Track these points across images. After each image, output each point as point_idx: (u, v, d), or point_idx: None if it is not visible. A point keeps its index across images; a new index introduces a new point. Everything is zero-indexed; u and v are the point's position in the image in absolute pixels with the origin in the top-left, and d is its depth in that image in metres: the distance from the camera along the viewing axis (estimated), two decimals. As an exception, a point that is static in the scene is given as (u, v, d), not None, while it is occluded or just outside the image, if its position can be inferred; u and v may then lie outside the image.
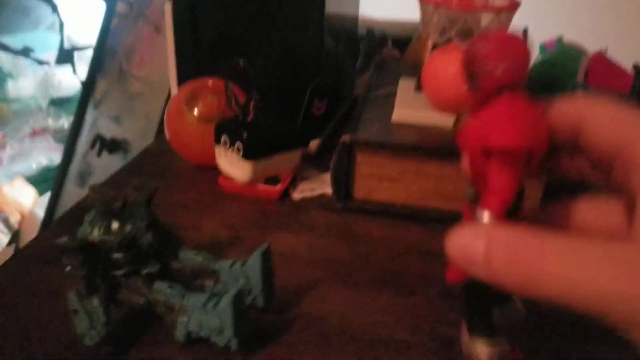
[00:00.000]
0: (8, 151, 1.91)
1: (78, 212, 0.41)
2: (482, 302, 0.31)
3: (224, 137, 0.58)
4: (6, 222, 1.66)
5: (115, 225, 0.39)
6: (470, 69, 0.23)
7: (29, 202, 1.76)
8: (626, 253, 0.21)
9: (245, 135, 0.55)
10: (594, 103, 0.25)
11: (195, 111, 0.62)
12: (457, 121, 0.25)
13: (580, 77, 0.73)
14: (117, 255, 0.39)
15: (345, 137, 0.53)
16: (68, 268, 0.37)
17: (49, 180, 1.85)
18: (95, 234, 0.39)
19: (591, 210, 0.28)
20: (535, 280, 0.21)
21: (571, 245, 0.21)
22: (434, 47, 0.52)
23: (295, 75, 0.64)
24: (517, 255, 0.22)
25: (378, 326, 0.42)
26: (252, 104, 0.54)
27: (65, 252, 0.36)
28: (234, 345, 0.38)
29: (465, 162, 0.30)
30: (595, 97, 0.25)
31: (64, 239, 0.36)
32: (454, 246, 0.24)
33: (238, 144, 0.56)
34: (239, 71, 0.64)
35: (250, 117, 0.55)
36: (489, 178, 0.23)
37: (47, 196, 1.82)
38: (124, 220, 0.40)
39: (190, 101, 0.62)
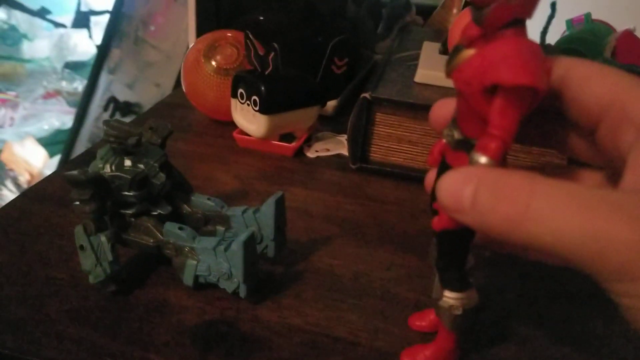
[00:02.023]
0: (20, 111, 1.91)
1: (92, 157, 0.40)
2: (457, 255, 0.30)
3: (240, 90, 0.56)
4: (15, 181, 1.66)
5: (128, 162, 0.38)
6: None
7: (39, 162, 1.76)
8: (623, 199, 0.20)
9: (262, 88, 0.54)
10: (581, 62, 0.24)
11: (213, 62, 0.60)
12: (451, 57, 0.23)
13: (607, 54, 0.71)
14: (128, 193, 0.38)
15: (366, 93, 0.51)
16: (76, 203, 0.36)
17: (59, 143, 1.85)
18: (107, 169, 0.38)
19: (569, 178, 0.28)
20: (521, 221, 0.20)
21: (563, 188, 0.20)
22: (466, 4, 0.50)
23: (316, 32, 0.63)
24: (504, 192, 0.20)
25: (390, 284, 0.41)
26: (271, 55, 0.53)
27: (74, 185, 0.35)
28: (242, 291, 0.37)
29: (437, 110, 0.29)
30: (579, 58, 0.24)
31: (74, 172, 0.35)
32: (443, 192, 0.22)
33: (254, 97, 0.55)
34: (258, 26, 0.62)
35: (269, 70, 0.54)
36: (490, 118, 0.22)
37: (57, 158, 1.82)
38: (137, 158, 0.39)
39: (209, 52, 0.60)
